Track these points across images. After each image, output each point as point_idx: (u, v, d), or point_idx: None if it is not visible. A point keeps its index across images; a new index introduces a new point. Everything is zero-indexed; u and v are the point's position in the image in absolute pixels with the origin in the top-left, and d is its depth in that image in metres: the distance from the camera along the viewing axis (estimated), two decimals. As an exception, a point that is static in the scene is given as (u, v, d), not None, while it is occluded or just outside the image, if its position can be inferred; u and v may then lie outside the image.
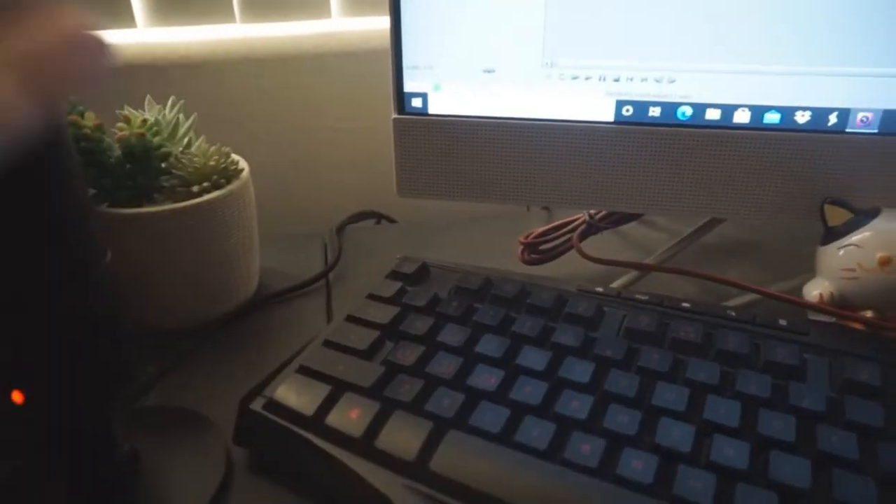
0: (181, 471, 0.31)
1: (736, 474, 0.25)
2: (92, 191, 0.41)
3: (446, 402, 0.30)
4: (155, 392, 0.38)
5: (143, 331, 0.42)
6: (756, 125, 0.37)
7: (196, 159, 0.42)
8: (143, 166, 0.41)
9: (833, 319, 0.35)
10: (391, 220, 0.63)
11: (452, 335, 0.34)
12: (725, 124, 0.38)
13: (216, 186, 0.41)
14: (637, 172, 0.40)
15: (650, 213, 0.49)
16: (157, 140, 0.41)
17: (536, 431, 0.28)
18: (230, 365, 0.40)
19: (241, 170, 0.44)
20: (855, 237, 0.34)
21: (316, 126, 0.64)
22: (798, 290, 0.38)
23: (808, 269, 0.38)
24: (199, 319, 0.43)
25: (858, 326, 0.34)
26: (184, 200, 0.40)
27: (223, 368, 0.40)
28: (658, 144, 0.39)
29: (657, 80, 0.38)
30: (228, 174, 0.43)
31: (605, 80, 0.38)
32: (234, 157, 0.44)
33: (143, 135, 0.40)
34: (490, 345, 0.33)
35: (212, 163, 0.42)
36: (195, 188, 0.41)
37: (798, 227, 0.53)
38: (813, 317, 0.37)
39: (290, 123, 0.63)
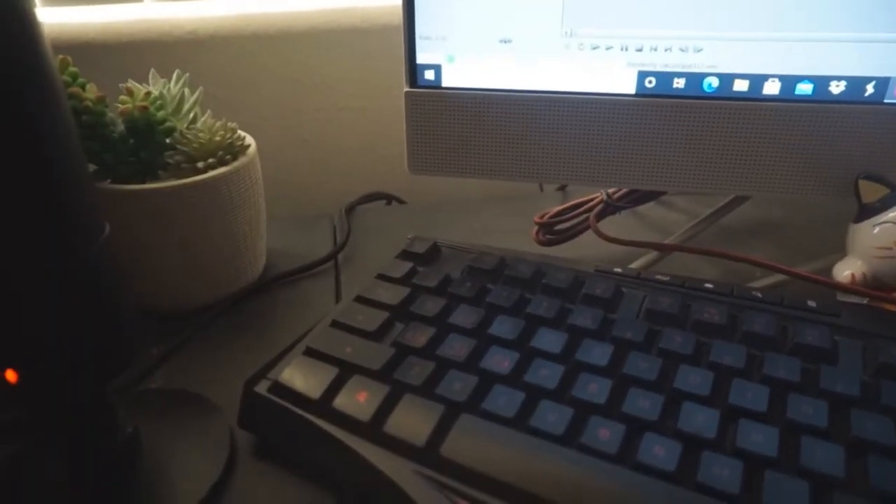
0: (184, 454, 0.30)
1: (764, 461, 0.24)
2: (93, 166, 0.40)
3: (458, 386, 0.28)
4: (159, 374, 0.37)
5: (147, 312, 0.41)
6: (787, 97, 0.35)
7: (201, 135, 0.40)
8: (147, 141, 0.40)
9: (865, 300, 0.33)
10: (401, 202, 0.62)
11: (465, 316, 0.33)
12: (754, 96, 0.36)
13: (222, 163, 0.40)
14: (660, 148, 0.38)
15: (673, 191, 0.47)
16: (161, 114, 0.40)
17: (552, 416, 0.27)
18: (236, 347, 0.39)
19: (248, 146, 0.43)
20: (891, 214, 0.32)
21: (325, 105, 0.63)
22: (826, 270, 0.36)
23: (834, 250, 0.37)
24: (204, 300, 0.42)
25: (892, 308, 0.33)
26: (188, 177, 0.39)
27: (228, 351, 0.39)
28: (682, 118, 0.37)
29: (682, 50, 0.36)
30: (234, 150, 0.41)
31: (626, 49, 0.36)
32: (241, 133, 0.43)
33: (146, 108, 0.39)
34: (504, 326, 0.32)
35: (217, 138, 0.41)
36: (200, 164, 0.40)
37: (822, 207, 0.52)
38: (843, 298, 0.35)
39: (298, 102, 0.62)
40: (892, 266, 0.32)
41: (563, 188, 0.60)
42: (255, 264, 0.45)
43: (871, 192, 0.34)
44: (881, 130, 0.34)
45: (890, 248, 0.32)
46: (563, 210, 0.45)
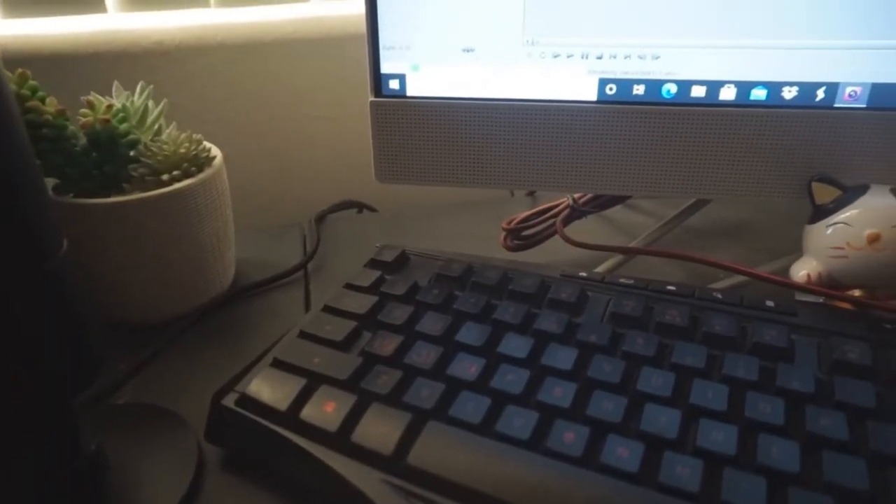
0: (151, 469, 0.30)
1: (723, 459, 0.25)
2: (56, 180, 0.39)
3: (425, 393, 0.29)
4: (126, 389, 0.36)
5: (116, 325, 0.41)
6: (742, 102, 0.36)
7: (166, 147, 0.40)
8: (110, 154, 0.39)
9: (821, 299, 0.34)
10: (372, 210, 0.62)
11: (432, 324, 0.33)
12: (711, 102, 0.37)
13: (187, 175, 0.40)
14: (622, 153, 0.38)
15: (636, 196, 0.48)
16: (124, 127, 0.40)
17: (518, 421, 0.27)
18: (205, 360, 0.39)
19: (214, 157, 0.43)
20: (843, 215, 0.33)
21: (293, 114, 0.63)
22: (785, 270, 0.37)
23: (795, 250, 0.38)
24: (172, 313, 0.42)
25: (846, 306, 0.34)
26: (153, 189, 0.38)
27: (197, 363, 0.38)
28: (643, 124, 0.37)
29: (641, 57, 0.36)
30: (200, 162, 0.41)
31: (587, 57, 0.37)
32: (206, 144, 0.43)
33: (108, 121, 0.38)
34: (471, 333, 0.32)
35: (182, 150, 0.40)
36: (165, 177, 0.39)
37: (783, 208, 0.53)
38: (800, 297, 0.36)
39: (267, 112, 0.62)
40: (846, 265, 0.33)
41: (532, 193, 0.61)
42: (224, 275, 0.45)
43: (823, 193, 0.35)
44: (832, 134, 0.35)
45: (843, 248, 0.33)
46: (530, 216, 0.45)
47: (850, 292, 0.34)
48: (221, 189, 0.43)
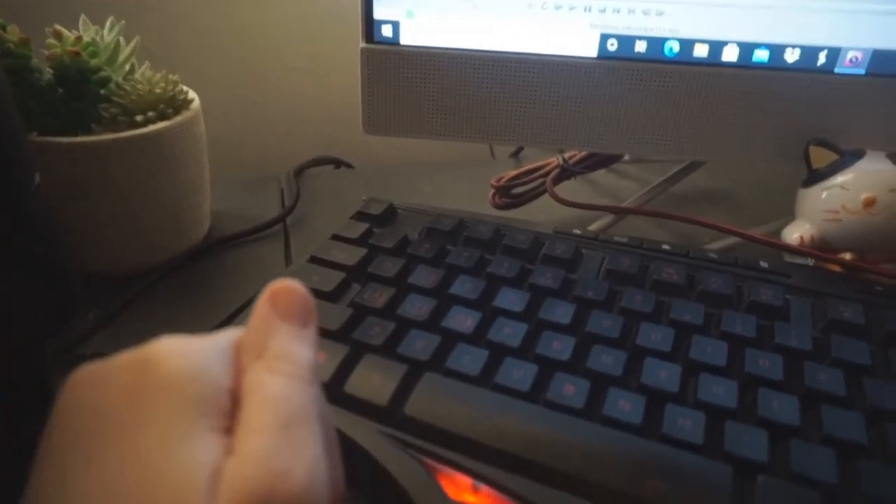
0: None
1: (724, 412, 0.25)
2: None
3: (420, 345, 0.28)
4: (96, 340, 0.34)
5: (84, 275, 0.39)
6: (745, 63, 0.36)
7: (140, 86, 0.38)
8: (79, 91, 0.37)
9: (811, 262, 0.35)
10: (349, 166, 0.60)
11: (425, 277, 0.32)
12: (713, 61, 0.36)
13: (163, 117, 0.38)
14: (621, 111, 0.38)
15: (633, 154, 0.48)
16: (94, 62, 0.37)
17: (517, 373, 0.26)
18: (180, 311, 0.37)
19: (191, 100, 0.40)
20: (840, 178, 0.34)
21: (272, 66, 0.60)
22: (774, 234, 0.37)
23: (781, 215, 0.38)
24: (144, 263, 0.39)
25: (837, 269, 0.34)
26: (126, 131, 0.36)
27: (172, 315, 0.36)
28: (643, 81, 0.37)
29: (644, 13, 0.35)
30: (177, 104, 0.39)
31: (590, 10, 0.36)
32: (183, 87, 0.40)
33: (77, 53, 0.35)
34: (465, 286, 0.31)
35: (157, 91, 0.38)
36: (139, 118, 0.37)
37: (767, 176, 0.53)
38: (790, 259, 0.36)
39: (244, 62, 0.59)
40: (840, 228, 0.34)
41: (516, 154, 0.60)
42: (199, 226, 0.43)
43: (820, 157, 0.35)
44: (831, 99, 0.35)
45: (838, 212, 0.33)
46: (520, 174, 0.45)
47: (841, 255, 0.34)
48: (198, 135, 0.40)
